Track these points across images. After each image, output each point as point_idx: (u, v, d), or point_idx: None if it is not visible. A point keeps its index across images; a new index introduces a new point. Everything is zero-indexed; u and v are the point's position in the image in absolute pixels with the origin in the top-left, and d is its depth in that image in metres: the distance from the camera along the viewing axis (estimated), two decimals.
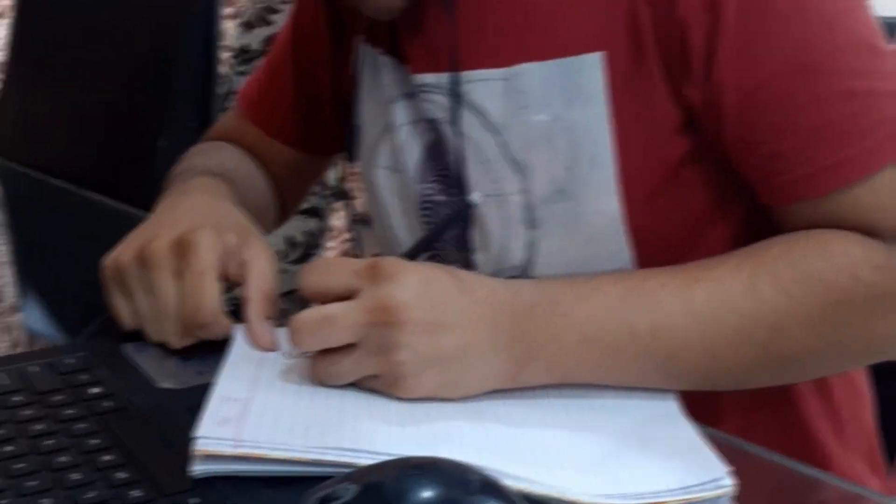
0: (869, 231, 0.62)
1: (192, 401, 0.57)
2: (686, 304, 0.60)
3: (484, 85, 0.71)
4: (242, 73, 1.72)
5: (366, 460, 0.49)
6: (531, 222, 0.72)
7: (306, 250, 1.84)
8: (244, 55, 1.76)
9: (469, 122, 0.73)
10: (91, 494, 0.49)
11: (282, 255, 1.72)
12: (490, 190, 0.73)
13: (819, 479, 0.61)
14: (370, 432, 0.54)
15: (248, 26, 1.77)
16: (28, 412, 0.58)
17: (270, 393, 0.58)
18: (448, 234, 0.77)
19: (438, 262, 0.77)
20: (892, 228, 0.62)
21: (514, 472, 0.49)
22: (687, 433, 0.58)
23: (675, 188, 0.68)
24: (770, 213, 0.67)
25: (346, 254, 2.19)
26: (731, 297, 0.60)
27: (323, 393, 0.59)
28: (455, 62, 0.71)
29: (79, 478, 0.50)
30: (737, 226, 0.71)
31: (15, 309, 0.87)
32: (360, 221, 1.95)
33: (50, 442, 0.54)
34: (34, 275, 0.96)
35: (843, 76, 0.62)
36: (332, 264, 0.63)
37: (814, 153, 0.62)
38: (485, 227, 0.75)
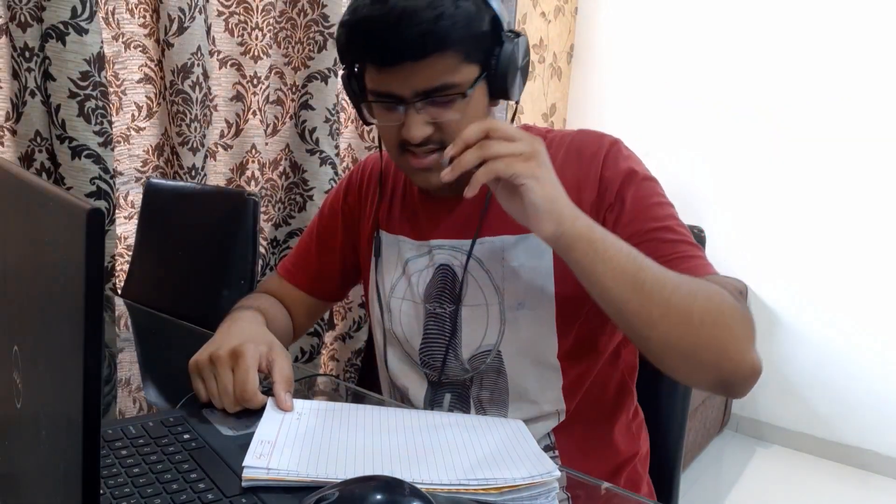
0: None
1: (243, 442, 0.86)
2: (660, 269, 0.92)
3: (482, 247, 1.09)
4: (274, 254, 2.38)
5: (342, 479, 0.76)
6: (503, 321, 1.09)
7: (310, 357, 2.47)
8: (274, 243, 2.42)
9: (471, 265, 1.11)
10: (183, 497, 0.74)
11: (294, 358, 2.28)
12: (478, 301, 1.10)
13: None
14: (343, 462, 0.82)
15: (275, 226, 2.37)
16: (146, 449, 0.84)
17: (287, 439, 0.87)
18: (446, 328, 1.13)
19: (429, 342, 1.15)
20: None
21: (425, 479, 0.79)
22: (532, 446, 0.89)
23: (594, 305, 0.99)
24: None
25: (331, 359, 2.70)
26: (672, 272, 0.93)
27: (318, 438, 0.87)
28: (475, 233, 1.10)
29: (175, 488, 0.76)
30: None
31: (139, 389, 1.13)
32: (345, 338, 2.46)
33: (159, 466, 0.80)
34: (150, 369, 1.23)
35: (679, 234, 1.03)
36: (513, 129, 0.92)
37: (675, 265, 0.97)
38: (469, 323, 1.12)
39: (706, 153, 3.44)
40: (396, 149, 1.07)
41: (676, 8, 3.50)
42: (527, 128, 1.17)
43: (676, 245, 1.01)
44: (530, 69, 3.54)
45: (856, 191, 3.09)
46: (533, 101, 3.64)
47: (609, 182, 1.06)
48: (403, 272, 1.18)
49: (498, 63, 1.02)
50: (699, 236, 1.25)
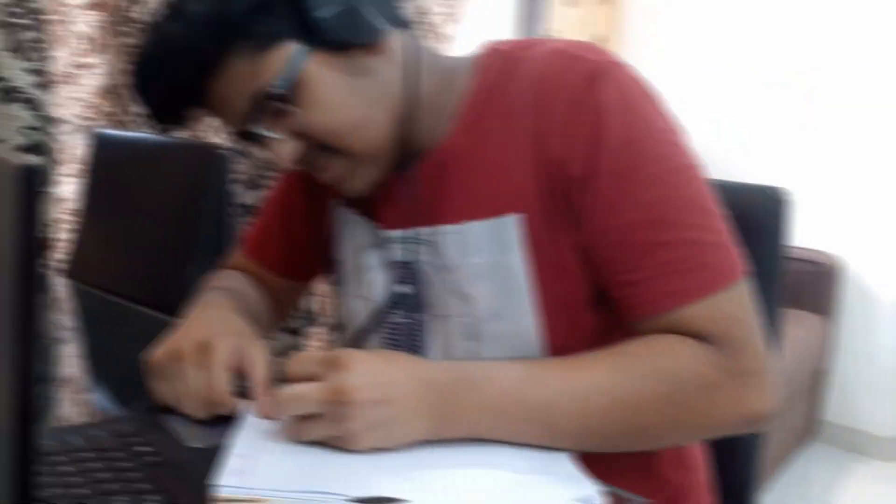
0: (702, 338, 0.92)
1: (212, 456, 0.85)
2: (568, 386, 0.90)
3: (445, 237, 1.03)
4: (244, 222, 2.23)
5: (328, 500, 0.76)
6: (475, 336, 1.04)
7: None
8: (245, 209, 2.36)
9: (431, 263, 1.05)
10: None
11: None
12: (443, 313, 1.05)
13: None
14: (330, 480, 0.81)
15: (247, 186, 2.37)
16: (95, 465, 0.84)
17: (275, 450, 0.86)
18: (401, 341, 1.10)
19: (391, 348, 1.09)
20: (718, 336, 0.91)
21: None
22: (566, 465, 0.89)
23: (587, 317, 1.00)
24: (632, 326, 0.96)
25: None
26: (601, 383, 0.91)
27: (304, 452, 0.87)
28: (425, 219, 1.04)
29: None
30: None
31: (86, 390, 1.14)
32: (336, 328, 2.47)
33: (111, 486, 0.80)
34: (99, 366, 1.24)
35: (683, 229, 0.93)
36: (305, 356, 0.91)
37: (659, 283, 0.93)
38: (431, 341, 1.07)
39: (795, 97, 3.39)
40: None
41: None
42: (495, 50, 1.06)
43: (664, 251, 0.93)
44: None
45: None
46: (573, 32, 3.60)
47: (574, 144, 0.94)
48: (359, 266, 1.15)
49: (307, 18, 0.92)
50: (781, 201, 1.20)
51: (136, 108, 2.03)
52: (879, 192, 3.26)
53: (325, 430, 0.86)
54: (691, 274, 0.92)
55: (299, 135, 0.97)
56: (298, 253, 1.30)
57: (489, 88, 1.03)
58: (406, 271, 1.08)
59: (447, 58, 1.11)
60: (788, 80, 3.41)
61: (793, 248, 1.20)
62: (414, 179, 1.05)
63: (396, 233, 1.09)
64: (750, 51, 3.50)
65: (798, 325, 3.09)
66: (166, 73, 0.96)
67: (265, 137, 0.97)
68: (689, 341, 0.92)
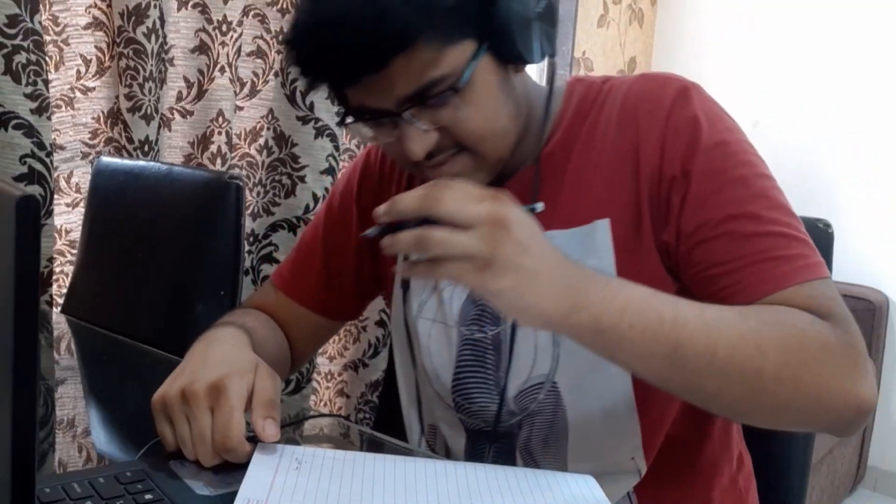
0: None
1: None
2: (699, 312, 0.92)
3: None
4: (249, 252, 2.39)
5: None
6: (556, 342, 1.10)
7: (297, 386, 2.51)
8: (252, 238, 2.43)
9: None
10: None
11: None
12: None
13: None
14: None
15: (253, 216, 2.40)
16: None
17: (282, 499, 0.88)
18: (487, 359, 1.15)
19: (463, 379, 1.17)
20: (824, 311, 0.96)
21: None
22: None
23: None
24: None
25: (340, 394, 2.74)
26: (729, 318, 0.93)
27: (323, 497, 0.89)
28: None
29: None
30: None
31: (86, 433, 1.14)
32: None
33: None
34: (100, 407, 1.25)
35: (776, 224, 1.01)
36: (454, 187, 0.88)
37: (761, 268, 0.99)
38: (519, 349, 1.12)
39: (834, 126, 3.39)
40: (411, 165, 1.10)
41: None
42: (576, 83, 1.20)
43: (758, 241, 1.01)
44: (605, 14, 3.54)
45: None
46: (606, 55, 3.64)
47: (671, 150, 1.07)
48: (434, 287, 1.20)
49: (495, 25, 1.03)
50: (824, 231, 1.24)
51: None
52: None
53: (472, 244, 0.84)
54: (791, 261, 1.00)
55: (442, 129, 1.05)
56: (337, 289, 1.35)
57: (581, 111, 1.16)
58: None
59: (538, 84, 1.22)
60: (824, 105, 3.40)
61: (835, 283, 1.22)
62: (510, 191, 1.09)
63: None
64: (779, 74, 3.50)
65: None
66: (359, 36, 0.98)
67: (403, 122, 1.03)
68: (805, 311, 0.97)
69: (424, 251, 0.86)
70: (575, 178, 1.13)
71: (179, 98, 2.27)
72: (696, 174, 1.05)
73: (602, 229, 1.09)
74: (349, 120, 1.10)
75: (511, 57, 1.06)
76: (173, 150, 2.27)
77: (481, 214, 0.84)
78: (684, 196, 1.05)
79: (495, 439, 1.17)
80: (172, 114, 2.26)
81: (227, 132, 2.32)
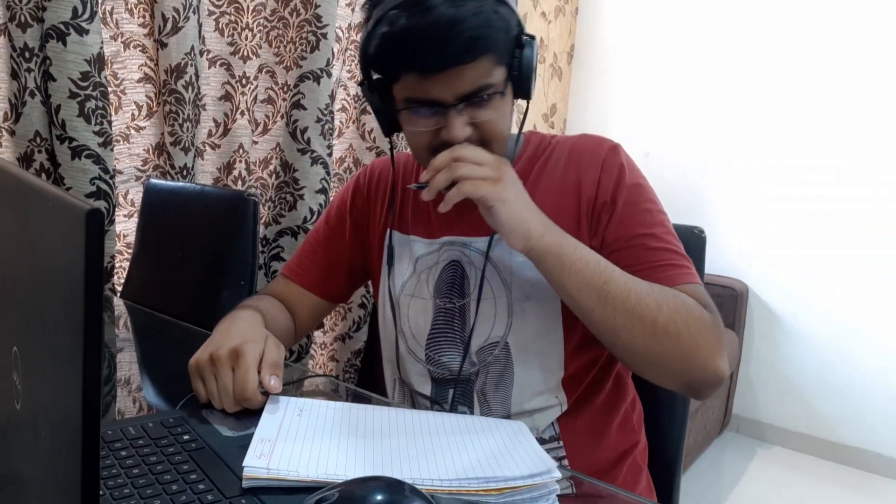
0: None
1: (243, 443, 0.86)
2: (621, 271, 1.00)
3: (492, 242, 1.14)
4: (262, 252, 2.41)
5: (342, 479, 0.77)
6: (510, 313, 1.12)
7: (299, 356, 2.52)
8: (264, 241, 2.44)
9: (480, 261, 1.15)
10: (183, 498, 0.75)
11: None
12: (487, 295, 1.14)
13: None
14: (344, 463, 0.83)
15: (265, 224, 2.40)
16: (146, 450, 0.85)
17: (287, 438, 0.87)
18: (455, 323, 1.17)
19: (438, 338, 1.18)
20: (702, 304, 1.02)
21: (426, 478, 0.79)
22: (533, 445, 0.89)
23: None
24: None
25: (331, 359, 2.72)
26: (641, 282, 1.00)
27: (319, 437, 0.88)
28: (479, 231, 1.16)
29: (175, 489, 0.77)
30: None
31: (139, 389, 1.14)
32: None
33: (159, 467, 0.81)
34: (149, 369, 1.25)
35: (664, 242, 1.08)
36: (480, 152, 1.03)
37: (658, 272, 1.05)
38: (481, 316, 1.14)
39: (706, 153, 3.45)
40: (427, 152, 1.08)
41: (678, 7, 3.51)
42: (532, 134, 1.24)
43: (658, 253, 1.08)
44: None
45: (857, 189, 3.09)
46: (533, 102, 3.64)
47: (605, 184, 1.13)
48: (414, 270, 1.21)
49: (521, 64, 1.08)
50: (699, 236, 1.26)
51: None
52: (778, 228, 3.29)
53: (489, 170, 1.00)
54: (678, 269, 1.06)
55: (474, 124, 1.06)
56: (335, 277, 1.35)
57: (536, 154, 1.21)
58: (458, 267, 1.18)
59: None
60: (699, 137, 3.45)
61: (708, 275, 1.25)
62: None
63: (455, 238, 1.19)
64: (665, 115, 3.54)
65: None
66: (458, 37, 0.99)
67: (452, 113, 1.05)
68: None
69: (453, 173, 0.98)
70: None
71: (210, 135, 2.24)
72: (620, 203, 1.11)
73: None
74: (404, 106, 1.08)
75: (519, 90, 1.10)
76: (205, 174, 2.25)
77: (490, 157, 1.01)
78: (610, 216, 1.11)
79: (457, 385, 1.17)
80: (204, 147, 2.24)
81: (245, 160, 2.30)
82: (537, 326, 1.13)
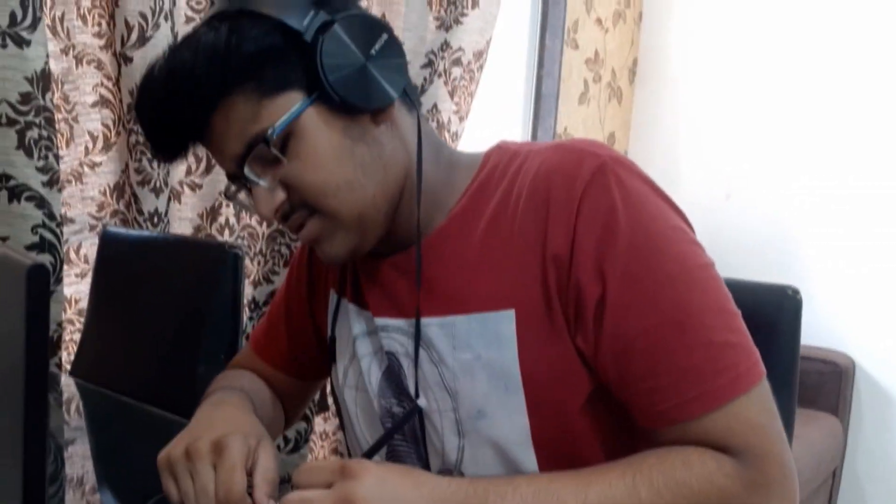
0: (721, 448, 0.90)
1: None
2: (581, 502, 0.87)
3: (430, 329, 1.04)
4: (251, 319, 2.39)
5: None
6: (461, 433, 1.04)
7: (296, 445, 2.49)
8: (252, 305, 2.44)
9: (421, 355, 1.05)
10: None
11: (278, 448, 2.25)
12: (433, 406, 1.05)
13: None
14: None
15: (254, 284, 2.40)
16: None
17: None
18: (406, 434, 1.08)
19: (395, 456, 1.10)
20: (738, 446, 0.90)
21: None
22: None
23: (581, 417, 0.98)
24: (646, 433, 0.95)
25: (334, 452, 2.69)
26: (616, 497, 0.88)
27: None
28: (416, 311, 1.04)
29: None
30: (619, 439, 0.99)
31: (94, 490, 1.12)
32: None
33: None
34: (108, 466, 1.23)
35: (703, 331, 0.92)
36: (314, 465, 0.91)
37: (681, 389, 0.91)
38: (428, 432, 1.06)
39: (803, 195, 3.41)
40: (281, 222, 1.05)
41: (763, 11, 3.51)
42: (498, 147, 1.10)
43: (683, 356, 0.92)
44: (585, 92, 3.56)
45: None
46: (587, 130, 3.64)
47: (584, 240, 0.94)
48: (354, 354, 1.17)
49: (320, 74, 0.95)
50: (793, 298, 1.22)
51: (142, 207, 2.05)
52: (890, 291, 3.25)
53: None
54: (711, 380, 0.91)
55: (286, 186, 0.99)
56: (303, 351, 1.32)
57: (489, 183, 1.05)
58: (395, 362, 1.09)
59: (455, 151, 1.15)
60: (795, 176, 3.42)
61: (804, 347, 1.21)
62: (401, 267, 1.06)
63: (388, 321, 1.10)
64: (752, 146, 3.52)
65: (811, 425, 3.07)
66: (171, 101, 0.97)
67: (252, 182, 0.98)
68: (709, 453, 0.91)
69: None
70: (477, 258, 1.02)
71: (189, 172, 2.26)
72: (613, 279, 0.93)
73: (506, 320, 0.98)
74: (232, 189, 1.06)
75: (344, 105, 0.96)
76: (183, 221, 2.26)
77: (329, 498, 0.85)
78: (600, 300, 0.93)
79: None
80: (182, 187, 2.26)
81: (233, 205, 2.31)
82: (498, 455, 1.03)
